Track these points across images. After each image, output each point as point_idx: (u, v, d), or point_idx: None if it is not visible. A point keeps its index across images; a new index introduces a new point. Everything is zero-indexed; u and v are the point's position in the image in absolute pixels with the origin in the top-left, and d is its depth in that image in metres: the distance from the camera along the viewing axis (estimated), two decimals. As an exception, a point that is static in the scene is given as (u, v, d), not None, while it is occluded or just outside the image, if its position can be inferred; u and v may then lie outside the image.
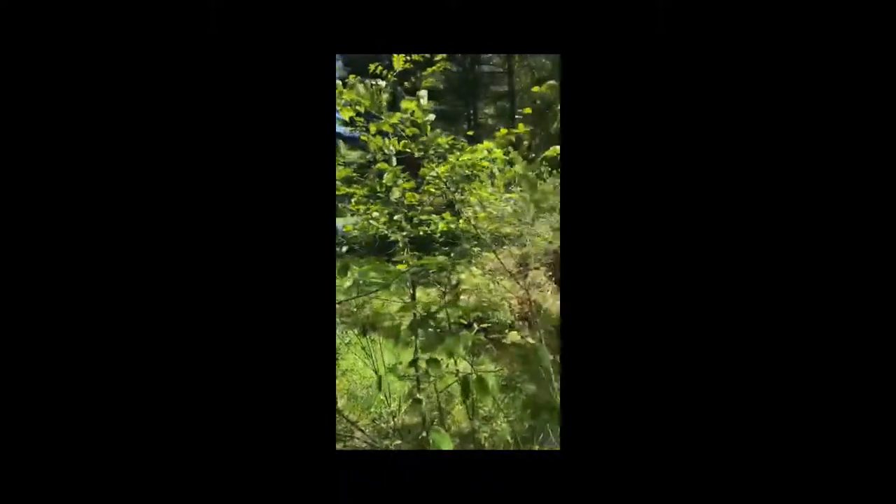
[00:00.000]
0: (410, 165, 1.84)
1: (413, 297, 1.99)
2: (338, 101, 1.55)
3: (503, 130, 1.76)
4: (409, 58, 1.64)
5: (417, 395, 1.99)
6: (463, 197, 1.96)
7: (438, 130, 1.61)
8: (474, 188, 1.87)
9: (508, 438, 2.26)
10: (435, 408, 2.07)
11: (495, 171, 1.94)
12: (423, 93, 1.62)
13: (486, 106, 12.70)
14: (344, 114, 1.59)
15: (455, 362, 1.70)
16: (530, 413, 2.73)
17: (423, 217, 2.03)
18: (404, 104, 1.53)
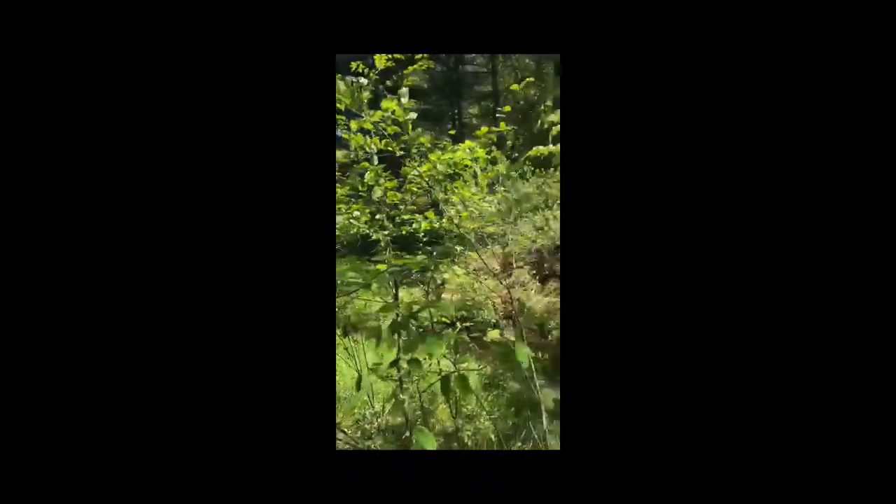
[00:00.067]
0: (392, 164, 1.83)
1: (396, 296, 1.99)
2: (318, 98, 1.53)
3: (483, 129, 1.76)
4: (390, 56, 1.63)
5: (400, 396, 1.99)
6: (446, 196, 1.96)
7: (420, 129, 1.61)
8: (457, 187, 1.87)
9: (491, 436, 2.27)
10: (419, 408, 2.06)
11: (477, 170, 1.94)
12: (405, 91, 1.62)
13: (470, 106, 12.73)
14: (324, 112, 1.57)
15: (438, 362, 1.70)
16: (514, 411, 2.75)
17: (406, 216, 2.02)
18: (385, 103, 1.53)
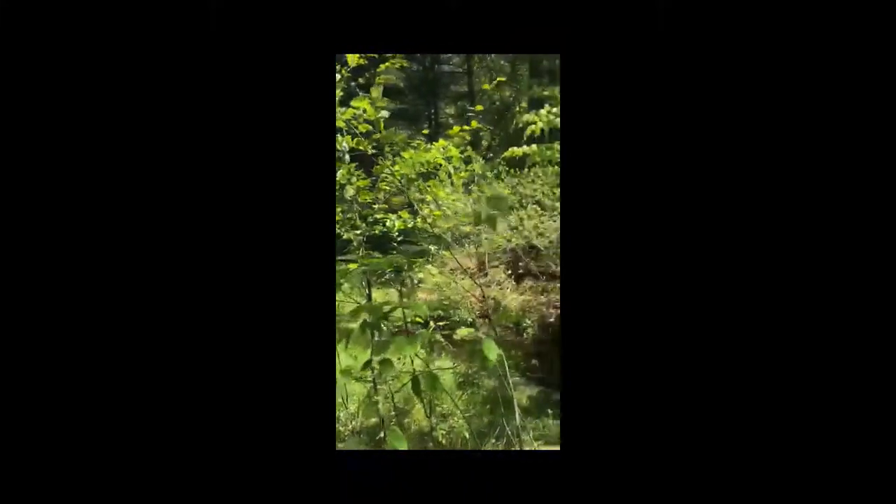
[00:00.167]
0: (364, 163, 1.81)
1: (369, 296, 1.97)
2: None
3: (456, 129, 1.77)
4: (362, 53, 1.62)
5: (375, 397, 1.97)
6: (422, 196, 1.96)
7: (393, 128, 1.60)
8: (429, 186, 1.87)
9: (466, 435, 2.28)
10: (393, 408, 2.05)
11: (451, 169, 1.95)
12: (377, 89, 1.60)
13: (446, 106, 12.74)
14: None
15: (412, 362, 1.69)
16: (489, 409, 2.77)
17: (379, 216, 2.00)
18: (356, 101, 1.51)
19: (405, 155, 1.71)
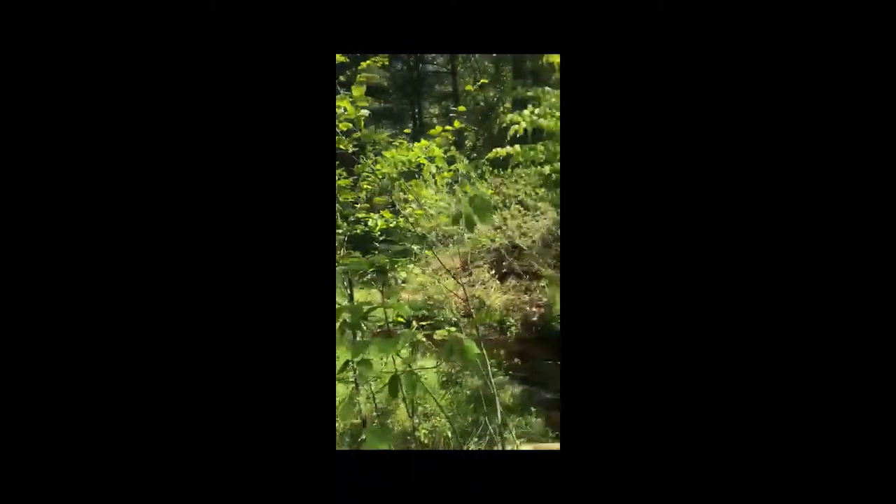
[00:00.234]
0: (345, 162, 1.79)
1: (351, 297, 1.95)
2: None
3: (438, 128, 1.77)
4: (343, 51, 1.60)
5: (356, 398, 1.95)
6: (405, 196, 1.95)
7: (373, 127, 1.59)
8: (411, 185, 1.86)
9: (448, 433, 2.28)
10: (375, 409, 2.04)
11: (433, 169, 1.94)
12: (359, 87, 1.59)
13: (431, 105, 12.72)
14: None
15: (394, 362, 1.69)
16: (472, 408, 2.78)
17: (360, 215, 1.99)
18: (336, 100, 1.49)
19: (386, 154, 1.70)
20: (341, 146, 1.66)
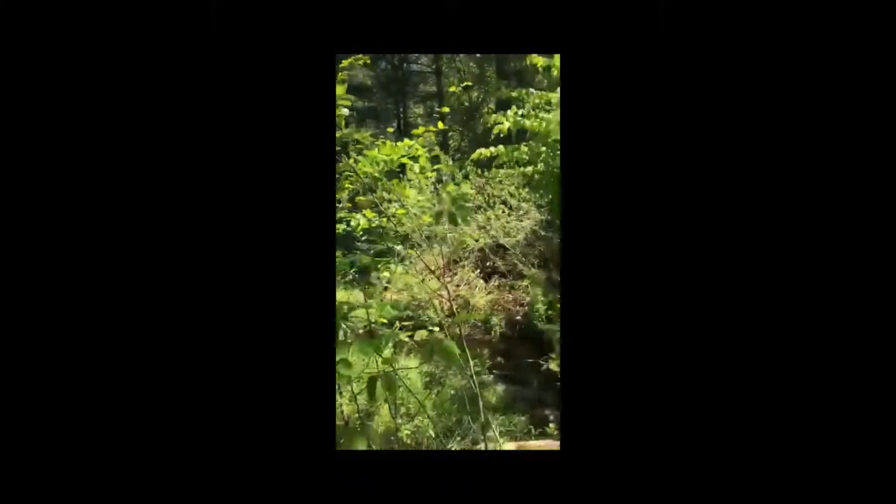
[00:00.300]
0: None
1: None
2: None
3: (421, 128, 1.77)
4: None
5: (337, 399, 1.93)
6: (388, 196, 1.94)
7: (354, 126, 1.58)
8: (393, 184, 1.85)
9: (431, 433, 2.28)
10: (357, 409, 2.03)
11: (416, 168, 1.94)
12: (341, 86, 1.58)
13: (415, 105, 12.69)
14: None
15: (377, 363, 1.68)
16: (456, 407, 2.78)
17: (342, 214, 1.97)
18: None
19: (368, 153, 1.69)
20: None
